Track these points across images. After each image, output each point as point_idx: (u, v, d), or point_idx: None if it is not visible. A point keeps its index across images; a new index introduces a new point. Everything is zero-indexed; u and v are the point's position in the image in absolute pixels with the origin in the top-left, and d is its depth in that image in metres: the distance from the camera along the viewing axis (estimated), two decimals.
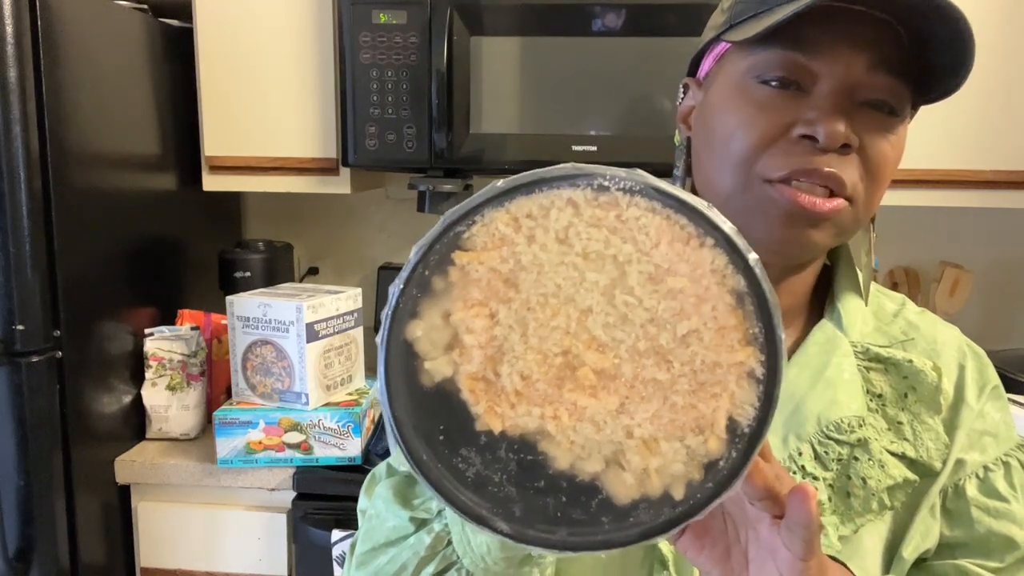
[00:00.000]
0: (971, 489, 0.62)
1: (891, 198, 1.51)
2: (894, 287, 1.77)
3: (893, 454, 0.59)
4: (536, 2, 1.38)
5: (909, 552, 0.60)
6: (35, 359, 1.21)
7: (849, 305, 0.64)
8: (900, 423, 0.60)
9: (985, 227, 1.82)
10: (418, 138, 1.44)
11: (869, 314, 0.65)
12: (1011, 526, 0.61)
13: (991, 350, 1.78)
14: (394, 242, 1.96)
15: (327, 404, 1.37)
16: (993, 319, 1.84)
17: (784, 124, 0.53)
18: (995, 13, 1.42)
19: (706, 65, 0.61)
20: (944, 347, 0.65)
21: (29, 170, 1.17)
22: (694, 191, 0.60)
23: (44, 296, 1.21)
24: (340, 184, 1.57)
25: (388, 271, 1.85)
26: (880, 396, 0.61)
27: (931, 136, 1.47)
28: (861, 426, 0.59)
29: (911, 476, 0.59)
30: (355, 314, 1.45)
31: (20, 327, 1.19)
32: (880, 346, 0.63)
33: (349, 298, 1.43)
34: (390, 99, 1.43)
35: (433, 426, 0.38)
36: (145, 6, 1.54)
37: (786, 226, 0.54)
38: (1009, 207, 1.49)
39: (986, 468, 0.63)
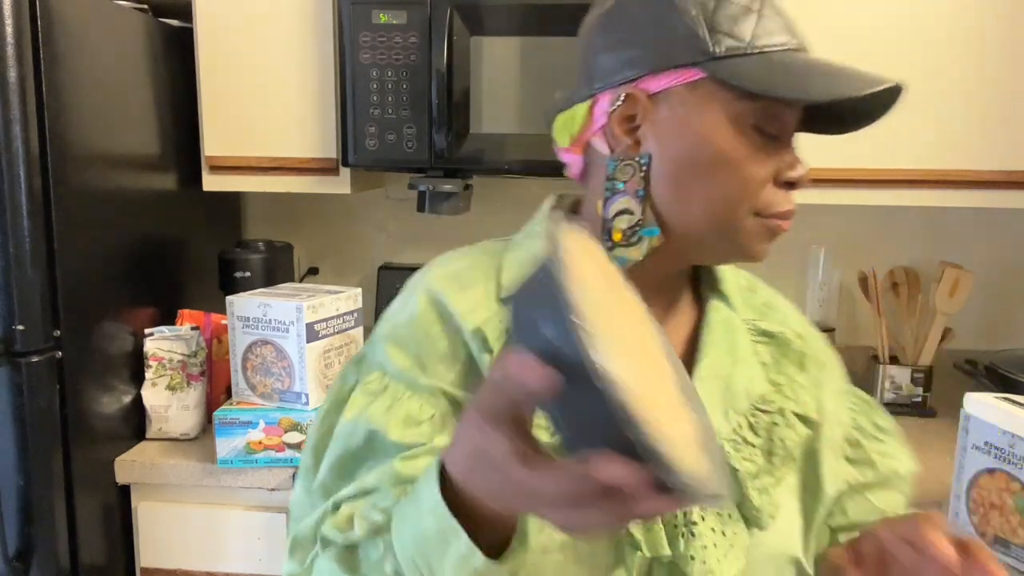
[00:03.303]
0: (861, 438, 0.74)
1: (891, 198, 1.51)
2: (894, 287, 1.77)
3: (796, 415, 0.69)
4: (536, 2, 1.38)
5: (829, 487, 0.71)
6: (35, 359, 1.21)
7: (729, 286, 0.72)
8: (781, 385, 0.69)
9: (985, 227, 1.82)
10: (418, 138, 1.44)
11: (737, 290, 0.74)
12: (893, 461, 0.75)
13: (991, 350, 1.79)
14: (394, 242, 1.96)
15: None
16: (993, 319, 1.84)
17: (774, 170, 0.61)
18: (995, 13, 1.42)
19: (665, 81, 0.60)
20: (788, 315, 0.75)
21: (29, 170, 1.18)
22: (653, 208, 0.63)
23: (44, 296, 1.21)
24: (340, 184, 1.57)
25: (388, 271, 1.85)
26: (765, 364, 0.70)
27: (931, 136, 1.47)
28: (778, 396, 0.69)
29: (807, 431, 0.69)
30: (355, 314, 1.45)
31: (20, 327, 1.19)
32: (756, 319, 0.72)
33: (349, 298, 1.43)
34: (390, 99, 1.43)
35: None
36: (145, 6, 1.54)
37: (766, 244, 0.63)
38: (1009, 207, 1.49)
39: (855, 418, 0.75)
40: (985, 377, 1.59)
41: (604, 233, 0.63)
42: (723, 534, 0.62)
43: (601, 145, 0.64)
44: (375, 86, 1.43)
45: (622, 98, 0.61)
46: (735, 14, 0.59)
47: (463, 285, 0.66)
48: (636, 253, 0.63)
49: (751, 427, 0.66)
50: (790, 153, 0.62)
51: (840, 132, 0.65)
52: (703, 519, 0.62)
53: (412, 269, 1.85)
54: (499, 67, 1.41)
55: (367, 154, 1.45)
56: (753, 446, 0.66)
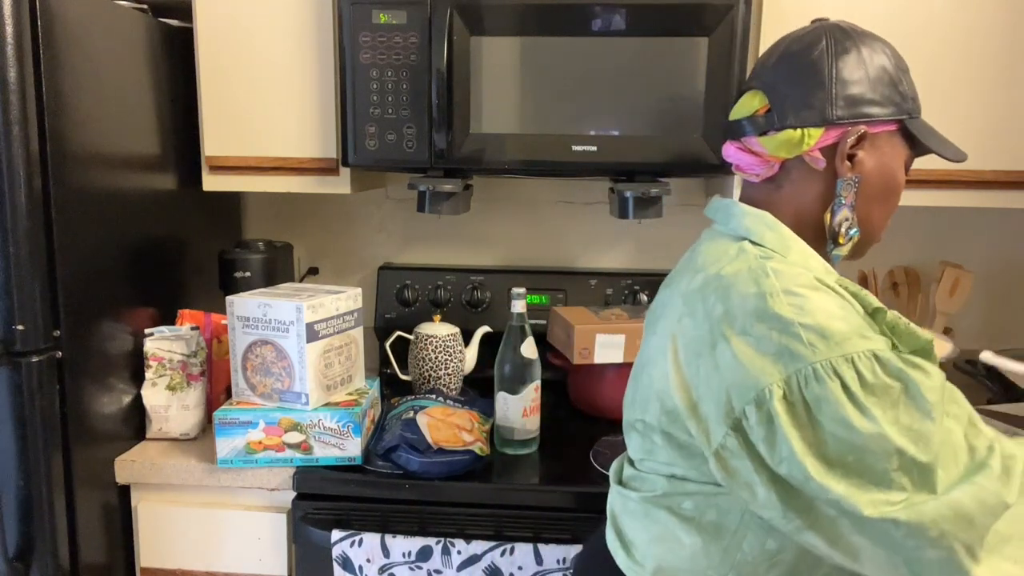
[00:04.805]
0: None
1: None
2: (894, 287, 1.77)
3: None
4: (536, 2, 1.38)
5: None
6: (35, 359, 1.21)
7: None
8: None
9: (985, 227, 1.82)
10: (418, 138, 1.44)
11: None
12: None
13: (991, 350, 1.78)
14: (394, 242, 1.96)
15: (327, 404, 1.37)
16: (993, 319, 1.84)
17: None
18: (996, 14, 1.42)
19: (878, 128, 0.87)
20: None
21: (29, 170, 1.18)
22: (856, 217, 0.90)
23: (44, 296, 1.21)
24: (340, 184, 1.57)
25: (388, 271, 1.85)
26: None
27: None
28: None
29: None
30: (355, 314, 1.45)
31: (20, 327, 1.19)
32: None
33: (349, 298, 1.43)
34: (390, 99, 1.43)
35: None
36: (145, 6, 1.54)
37: None
38: (1009, 207, 1.49)
39: None
40: (985, 377, 1.59)
41: (831, 236, 0.88)
42: None
43: (815, 161, 0.87)
44: (375, 86, 1.43)
45: (858, 135, 0.85)
46: (910, 82, 0.88)
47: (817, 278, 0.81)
48: (846, 251, 0.90)
49: None
50: None
51: None
52: None
53: (412, 269, 1.85)
54: (499, 67, 1.41)
55: (367, 154, 1.45)
56: None
